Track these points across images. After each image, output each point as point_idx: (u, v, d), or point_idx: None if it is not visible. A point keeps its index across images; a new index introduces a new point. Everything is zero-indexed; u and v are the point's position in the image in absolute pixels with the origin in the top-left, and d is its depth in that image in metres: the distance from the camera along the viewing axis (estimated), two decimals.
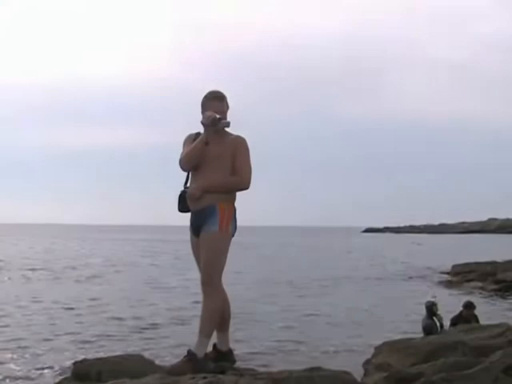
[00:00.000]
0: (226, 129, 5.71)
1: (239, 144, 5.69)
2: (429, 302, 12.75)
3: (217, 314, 5.59)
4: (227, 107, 5.77)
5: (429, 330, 11.61)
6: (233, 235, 5.72)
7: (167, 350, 12.04)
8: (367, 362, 8.62)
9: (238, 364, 6.17)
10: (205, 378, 4.94)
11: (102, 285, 25.61)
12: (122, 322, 15.90)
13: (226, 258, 5.65)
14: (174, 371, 5.36)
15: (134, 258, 43.03)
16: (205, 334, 5.53)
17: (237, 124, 5.78)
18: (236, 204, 5.76)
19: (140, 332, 14.60)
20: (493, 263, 28.44)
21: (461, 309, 12.41)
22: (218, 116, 5.57)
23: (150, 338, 13.70)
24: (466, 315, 12.07)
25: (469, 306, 12.51)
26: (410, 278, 29.88)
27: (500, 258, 29.62)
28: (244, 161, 5.65)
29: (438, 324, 12.20)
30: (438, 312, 12.52)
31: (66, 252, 49.89)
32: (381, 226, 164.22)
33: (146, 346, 12.63)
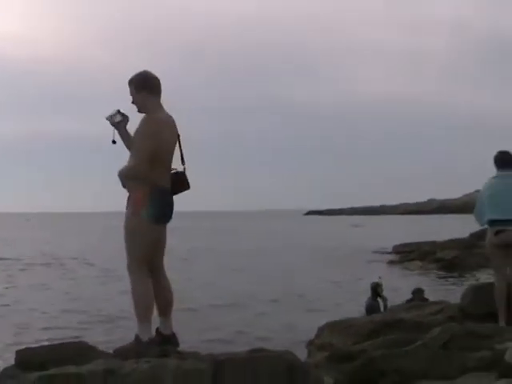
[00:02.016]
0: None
1: (138, 126, 5.61)
2: (373, 282, 12.90)
3: (142, 300, 5.55)
4: (136, 91, 5.70)
5: (371, 310, 11.74)
6: (157, 221, 5.57)
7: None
8: (310, 343, 8.72)
9: (183, 348, 6.19)
10: (148, 361, 4.95)
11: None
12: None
13: (145, 244, 5.53)
14: (118, 354, 5.39)
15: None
16: (138, 319, 5.54)
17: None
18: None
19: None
20: (432, 243, 28.98)
21: (410, 295, 12.61)
22: (113, 113, 5.66)
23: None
24: (416, 300, 12.23)
25: (418, 291, 12.74)
26: (352, 259, 30.19)
27: (439, 237, 30.12)
28: (135, 144, 5.55)
29: (381, 305, 12.38)
30: (383, 293, 12.70)
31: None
32: (322, 208, 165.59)
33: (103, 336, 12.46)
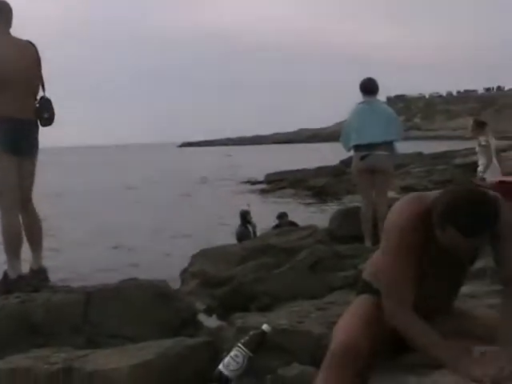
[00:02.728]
0: None
1: None
2: (242, 210, 13.12)
3: (9, 235, 5.44)
4: None
5: (242, 237, 11.98)
6: (8, 151, 5.39)
7: None
8: (184, 271, 8.80)
9: (54, 282, 6.12)
10: (18, 297, 4.87)
11: None
12: None
13: (3, 175, 5.39)
14: None
15: None
16: (7, 255, 5.44)
17: None
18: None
19: None
20: (304, 170, 29.56)
21: (276, 221, 12.89)
22: None
23: None
24: (284, 225, 12.52)
25: (282, 215, 13.04)
26: (224, 188, 30.41)
27: (311, 165, 30.68)
28: None
29: (251, 231, 12.63)
30: (252, 220, 12.95)
31: None
32: (196, 139, 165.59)
33: None
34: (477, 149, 11.32)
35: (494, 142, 11.42)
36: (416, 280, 2.88)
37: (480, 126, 11.29)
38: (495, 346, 2.78)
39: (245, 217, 12.78)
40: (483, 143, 10.96)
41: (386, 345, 3.06)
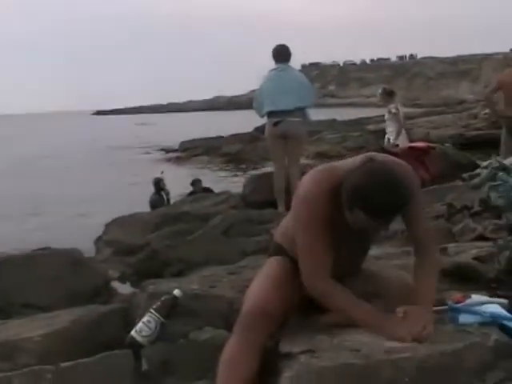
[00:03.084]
0: None
1: None
2: (156, 178, 13.07)
3: None
4: None
5: (156, 204, 11.94)
6: None
7: None
8: (98, 240, 8.74)
9: None
10: None
11: None
12: None
13: None
14: None
15: None
16: None
17: None
18: None
19: None
20: (218, 138, 29.57)
21: (191, 188, 12.90)
22: None
23: None
24: (198, 191, 12.55)
25: (196, 182, 13.06)
26: (138, 157, 30.15)
27: (226, 133, 30.69)
28: None
29: (165, 199, 12.61)
30: (166, 187, 12.92)
31: None
32: (110, 108, 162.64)
33: None
34: (386, 116, 11.56)
35: (402, 110, 11.69)
36: (330, 247, 2.92)
37: (389, 94, 11.53)
38: (415, 306, 2.88)
39: (158, 184, 12.75)
40: (393, 111, 11.19)
41: (299, 305, 3.13)
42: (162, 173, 13.51)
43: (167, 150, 31.64)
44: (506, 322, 3.01)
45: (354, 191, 2.69)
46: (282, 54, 8.34)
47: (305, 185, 2.93)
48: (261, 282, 3.10)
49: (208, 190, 12.19)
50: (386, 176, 2.70)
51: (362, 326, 2.87)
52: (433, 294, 3.02)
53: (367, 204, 2.64)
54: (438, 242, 3.28)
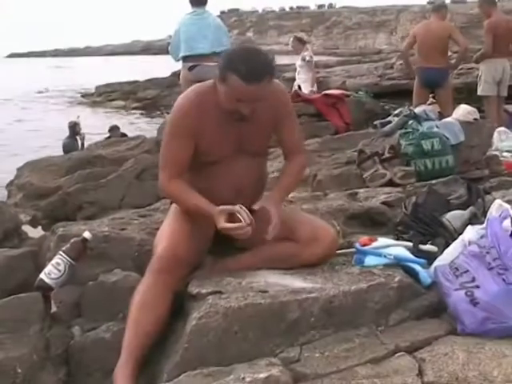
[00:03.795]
0: None
1: None
2: (71, 122, 12.85)
3: None
4: None
5: (69, 148, 11.75)
6: None
7: None
8: (10, 184, 8.56)
9: None
10: None
11: None
12: None
13: None
14: None
15: None
16: None
17: None
18: None
19: None
20: (135, 82, 29.05)
21: (107, 134, 12.73)
22: None
23: None
24: (114, 137, 12.40)
25: (114, 128, 12.91)
26: (54, 100, 29.49)
27: (143, 77, 30.19)
28: None
29: (79, 143, 12.43)
30: (82, 131, 12.72)
31: None
32: (25, 50, 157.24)
33: None
34: (298, 63, 11.64)
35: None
36: (187, 150, 3.08)
37: (301, 42, 11.64)
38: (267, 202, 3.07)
39: (73, 128, 12.54)
40: (308, 58, 11.29)
41: (212, 244, 3.20)
42: (78, 117, 13.28)
43: (83, 94, 30.94)
44: (409, 264, 3.12)
45: (227, 58, 3.00)
46: None
47: (176, 100, 3.19)
48: (171, 225, 3.12)
49: (125, 137, 12.08)
50: (251, 47, 3.15)
51: (201, 214, 3.02)
52: (287, 190, 3.36)
53: (238, 65, 2.89)
54: (306, 152, 3.63)
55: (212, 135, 3.08)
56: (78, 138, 12.45)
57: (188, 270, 3.03)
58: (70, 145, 12.09)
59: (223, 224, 2.92)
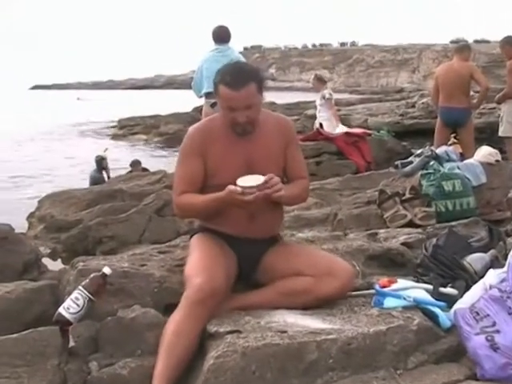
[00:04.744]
0: None
1: None
2: (98, 156, 12.97)
3: None
4: None
5: (96, 182, 11.85)
6: None
7: None
8: (31, 216, 8.62)
9: None
10: None
11: None
12: None
13: None
14: None
15: None
16: None
17: None
18: None
19: None
20: (156, 116, 29.24)
21: (129, 168, 12.81)
22: None
23: None
24: (136, 171, 12.47)
25: (135, 163, 12.99)
26: (78, 133, 29.73)
27: (165, 112, 30.38)
28: None
29: (106, 178, 12.52)
30: (108, 166, 12.84)
31: None
32: (49, 83, 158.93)
33: None
34: (318, 101, 11.79)
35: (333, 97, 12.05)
36: (199, 175, 3.29)
37: (321, 81, 11.87)
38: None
39: (100, 163, 12.65)
40: (327, 96, 11.45)
41: (236, 274, 3.28)
42: (106, 150, 13.39)
43: (106, 127, 31.19)
44: (428, 307, 3.10)
45: (218, 74, 3.25)
46: (221, 35, 8.32)
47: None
48: (202, 257, 3.16)
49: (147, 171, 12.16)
50: (239, 62, 3.54)
51: (218, 206, 3.20)
52: (290, 195, 3.35)
53: (224, 76, 3.18)
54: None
55: (219, 155, 3.25)
56: (104, 172, 12.57)
57: (219, 302, 3.05)
58: (96, 178, 12.21)
59: (231, 187, 3.05)
